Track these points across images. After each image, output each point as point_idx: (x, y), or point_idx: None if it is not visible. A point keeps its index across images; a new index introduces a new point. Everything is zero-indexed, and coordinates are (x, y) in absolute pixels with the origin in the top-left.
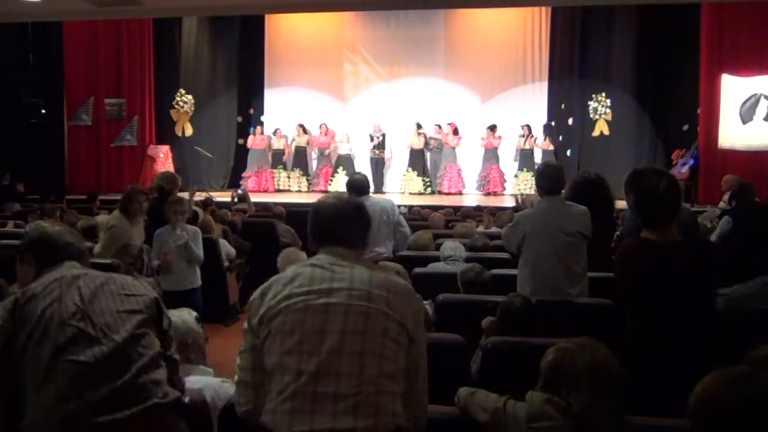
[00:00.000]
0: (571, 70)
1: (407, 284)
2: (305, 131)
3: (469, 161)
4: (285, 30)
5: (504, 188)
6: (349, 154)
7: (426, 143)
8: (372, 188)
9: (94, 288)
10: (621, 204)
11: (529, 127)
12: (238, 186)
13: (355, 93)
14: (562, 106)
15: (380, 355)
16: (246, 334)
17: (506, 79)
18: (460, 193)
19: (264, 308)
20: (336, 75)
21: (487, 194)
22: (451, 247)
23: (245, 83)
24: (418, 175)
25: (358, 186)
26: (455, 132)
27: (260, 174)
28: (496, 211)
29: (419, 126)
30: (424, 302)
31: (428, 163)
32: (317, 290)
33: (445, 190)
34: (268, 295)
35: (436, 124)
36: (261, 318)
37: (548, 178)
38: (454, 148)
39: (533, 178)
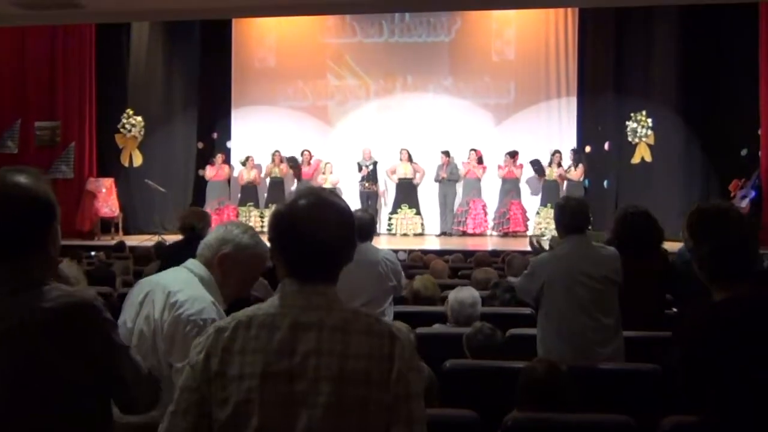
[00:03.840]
0: (604, 84)
1: (389, 330)
2: (282, 160)
3: (483, 194)
4: (256, 38)
5: (527, 227)
6: (334, 188)
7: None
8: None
9: None
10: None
11: (559, 153)
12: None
13: (341, 112)
14: (600, 128)
15: None
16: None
17: (526, 95)
18: (483, 234)
19: (212, 377)
20: (319, 91)
21: (505, 235)
22: (464, 302)
23: (207, 102)
24: (416, 213)
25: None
26: (480, 161)
27: (221, 211)
28: None
29: (406, 152)
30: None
31: (438, 197)
32: (275, 373)
33: (470, 230)
34: (212, 361)
35: (442, 152)
36: (210, 382)
37: (569, 213)
38: (479, 179)
39: None
